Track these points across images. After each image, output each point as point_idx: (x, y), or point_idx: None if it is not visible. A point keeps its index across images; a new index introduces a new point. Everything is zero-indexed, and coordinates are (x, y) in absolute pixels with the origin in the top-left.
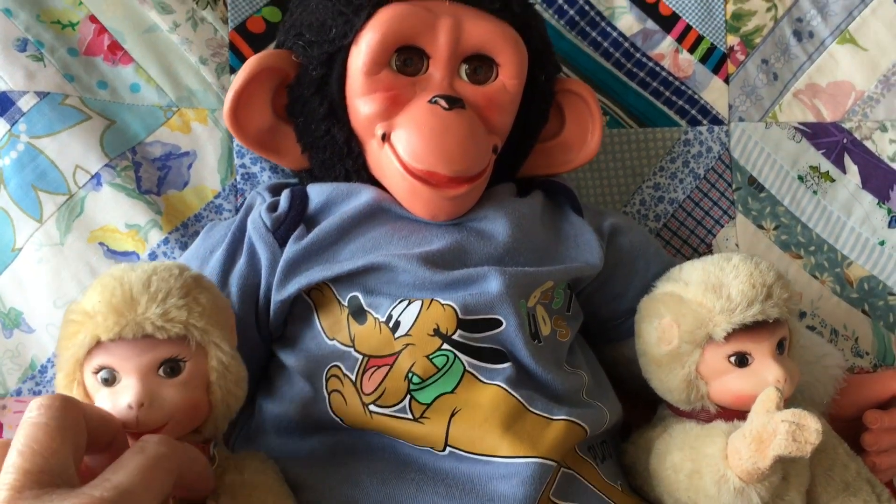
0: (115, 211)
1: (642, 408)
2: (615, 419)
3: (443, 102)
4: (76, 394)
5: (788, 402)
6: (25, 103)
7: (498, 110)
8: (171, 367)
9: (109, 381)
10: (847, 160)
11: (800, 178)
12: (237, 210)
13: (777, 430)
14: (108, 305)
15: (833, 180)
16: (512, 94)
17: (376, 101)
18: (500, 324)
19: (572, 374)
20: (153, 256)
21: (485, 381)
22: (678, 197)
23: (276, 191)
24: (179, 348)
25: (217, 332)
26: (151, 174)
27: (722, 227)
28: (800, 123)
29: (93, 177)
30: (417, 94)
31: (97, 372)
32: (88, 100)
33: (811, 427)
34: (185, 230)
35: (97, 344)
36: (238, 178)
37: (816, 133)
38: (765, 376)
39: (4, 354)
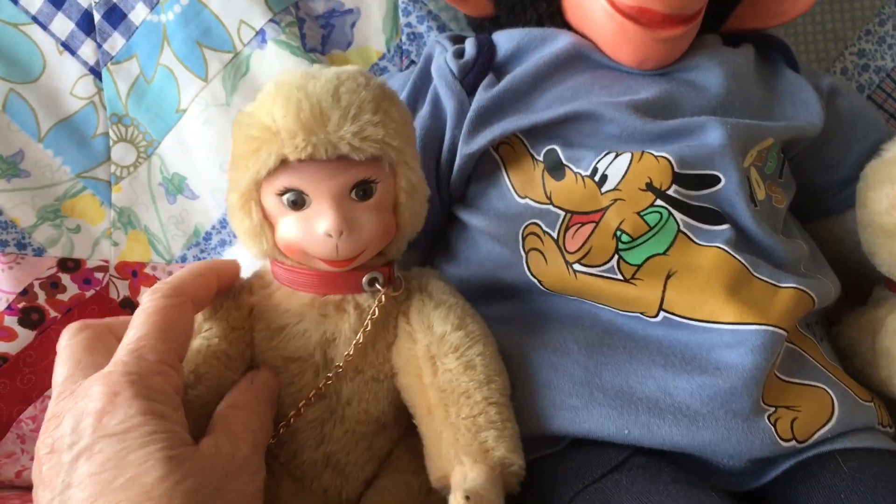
0: (281, 70)
1: (849, 297)
2: (837, 293)
3: None
4: (254, 215)
5: None
6: None
7: None
8: (364, 189)
9: (298, 203)
10: None
11: None
12: None
13: None
14: (297, 121)
15: None
16: None
17: None
18: (719, 181)
19: (793, 242)
20: None
21: (701, 243)
22: (886, 65)
23: (456, 41)
24: (373, 169)
25: (409, 150)
26: (315, 32)
27: None
28: None
29: (257, 33)
30: None
31: (282, 194)
32: None
33: None
34: None
35: (282, 163)
36: (403, 38)
37: None
38: None
39: (169, 220)
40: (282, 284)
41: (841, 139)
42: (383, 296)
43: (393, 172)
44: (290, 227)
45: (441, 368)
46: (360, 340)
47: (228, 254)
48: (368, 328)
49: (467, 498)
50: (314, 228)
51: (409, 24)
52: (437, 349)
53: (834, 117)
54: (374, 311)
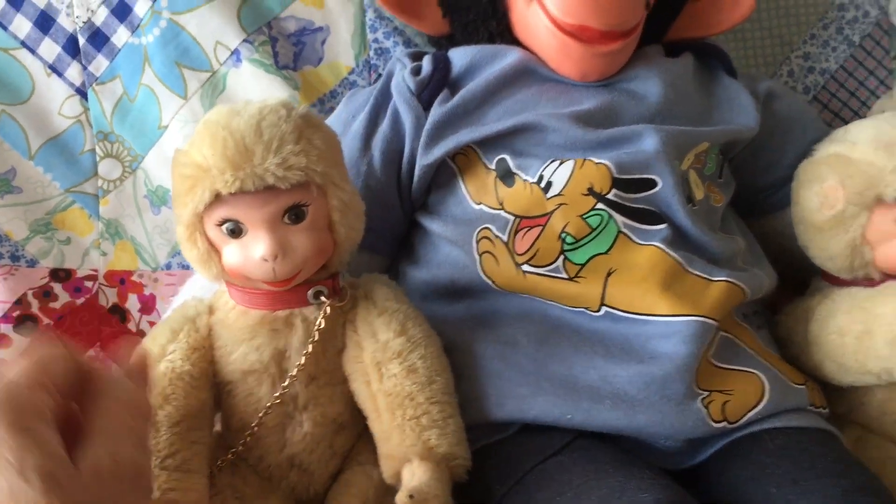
0: (256, 87)
1: (790, 286)
2: (772, 285)
3: None
4: (199, 245)
5: None
6: None
7: None
8: (296, 213)
9: (236, 232)
10: None
11: None
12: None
13: None
14: (223, 158)
15: None
16: None
17: None
18: (656, 184)
19: (729, 238)
20: None
21: (640, 242)
22: (830, 67)
23: (416, 57)
24: (302, 194)
25: (336, 172)
26: (287, 49)
27: (878, 98)
28: None
29: (232, 53)
30: None
31: (221, 224)
32: None
33: None
34: (321, 106)
35: (217, 197)
36: (371, 53)
37: None
38: None
39: (154, 230)
40: (237, 304)
41: (778, 140)
42: (328, 307)
43: (323, 194)
44: (231, 253)
45: (386, 374)
46: (310, 351)
47: None
48: (316, 338)
49: (411, 496)
50: (252, 254)
51: (376, 40)
52: (382, 356)
53: (771, 120)
54: (321, 322)
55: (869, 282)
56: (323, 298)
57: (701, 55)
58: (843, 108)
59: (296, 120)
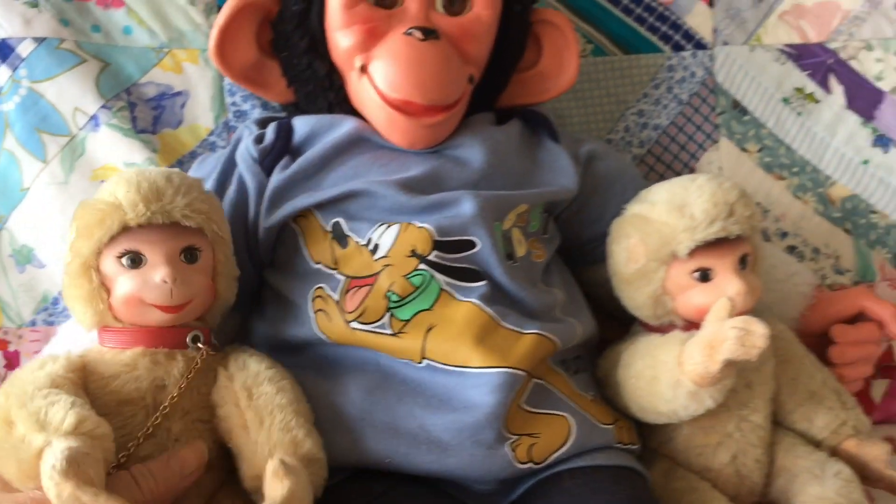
0: (114, 150)
1: (618, 328)
2: (587, 335)
3: (417, 34)
4: (93, 280)
5: (753, 315)
6: (24, 49)
7: (473, 40)
8: (191, 254)
9: (136, 262)
10: (832, 81)
11: (784, 100)
12: None
13: (726, 336)
14: (137, 194)
15: (817, 101)
16: (486, 24)
17: (354, 33)
18: (475, 245)
19: (546, 292)
20: None
21: (460, 298)
22: (662, 123)
23: (263, 124)
24: (198, 238)
25: (226, 233)
26: (146, 114)
27: (705, 151)
28: (785, 45)
29: (91, 118)
30: (394, 27)
31: (121, 256)
32: (83, 43)
33: (758, 332)
34: (180, 167)
35: (122, 230)
36: (230, 115)
37: (801, 54)
38: (725, 290)
39: (19, 288)
40: (111, 349)
41: (601, 197)
42: (205, 352)
43: (212, 246)
44: (128, 282)
45: (256, 394)
46: (184, 385)
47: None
48: (192, 374)
49: (283, 462)
50: (151, 278)
51: (234, 103)
52: (253, 381)
53: (593, 179)
54: (198, 361)
55: (673, 328)
56: (200, 345)
57: (529, 121)
58: (674, 160)
59: (198, 181)
